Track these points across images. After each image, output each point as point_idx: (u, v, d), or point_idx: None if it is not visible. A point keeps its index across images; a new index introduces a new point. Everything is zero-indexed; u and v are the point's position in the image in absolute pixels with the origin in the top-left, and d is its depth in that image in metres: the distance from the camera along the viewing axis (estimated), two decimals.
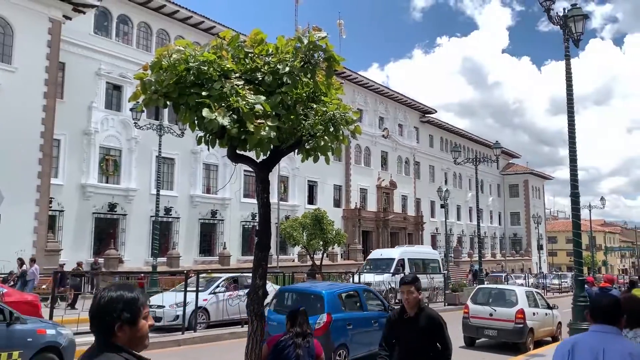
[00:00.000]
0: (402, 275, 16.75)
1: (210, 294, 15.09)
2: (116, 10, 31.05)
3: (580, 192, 12.11)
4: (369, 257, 29.97)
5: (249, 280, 14.08)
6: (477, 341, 14.24)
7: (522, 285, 30.01)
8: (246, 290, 13.98)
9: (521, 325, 13.13)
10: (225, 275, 16.93)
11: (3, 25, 23.32)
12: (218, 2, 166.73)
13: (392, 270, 25.81)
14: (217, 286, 15.66)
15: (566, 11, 12.21)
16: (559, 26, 12.15)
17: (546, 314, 14.74)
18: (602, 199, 48.79)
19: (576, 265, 11.90)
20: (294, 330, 4.62)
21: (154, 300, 14.65)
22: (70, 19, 26.03)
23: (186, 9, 32.98)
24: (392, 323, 4.53)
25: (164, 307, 14.08)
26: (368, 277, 23.19)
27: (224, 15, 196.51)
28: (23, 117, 22.88)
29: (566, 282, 42.80)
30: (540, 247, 65.56)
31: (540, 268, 66.91)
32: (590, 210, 48.84)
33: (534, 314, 13.88)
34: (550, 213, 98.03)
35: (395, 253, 28.96)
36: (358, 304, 11.27)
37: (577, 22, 12.06)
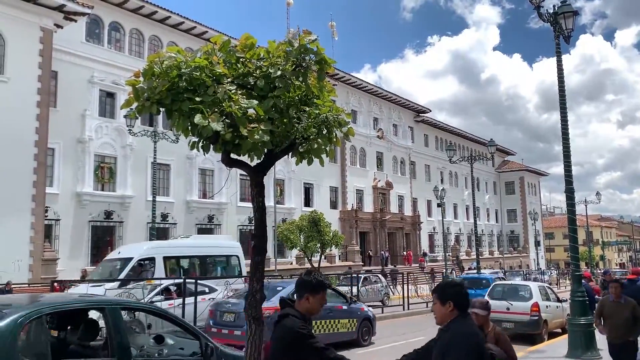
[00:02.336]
0: (148, 282, 13.92)
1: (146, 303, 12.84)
2: (108, 18, 31.02)
3: (575, 187, 12.18)
4: (105, 258, 19.92)
5: (201, 288, 13.35)
6: None
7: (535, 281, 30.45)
8: (204, 296, 13.29)
9: (536, 318, 14.23)
10: (166, 282, 14.52)
11: None
12: (210, 7, 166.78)
13: (122, 276, 16.21)
14: (157, 293, 13.69)
15: (556, 8, 12.26)
16: (549, 23, 12.20)
17: (557, 306, 15.74)
18: (597, 194, 49.08)
19: (573, 261, 11.95)
20: None
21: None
22: (61, 27, 26.00)
23: (178, 14, 32.99)
24: None
25: None
26: (92, 289, 13.96)
27: (216, 20, 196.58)
28: (17, 126, 22.83)
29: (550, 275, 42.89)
30: (537, 244, 65.80)
31: (538, 264, 67.07)
32: (586, 206, 49.12)
33: (547, 306, 14.94)
34: (546, 209, 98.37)
35: (137, 250, 18.18)
36: None
37: (567, 18, 12.11)
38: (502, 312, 14.26)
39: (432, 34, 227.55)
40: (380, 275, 27.10)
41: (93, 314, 5.22)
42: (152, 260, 17.26)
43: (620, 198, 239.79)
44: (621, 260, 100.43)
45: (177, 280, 14.76)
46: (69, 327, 5.20)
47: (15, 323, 3.89)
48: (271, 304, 8.86)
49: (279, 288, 12.23)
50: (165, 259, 17.84)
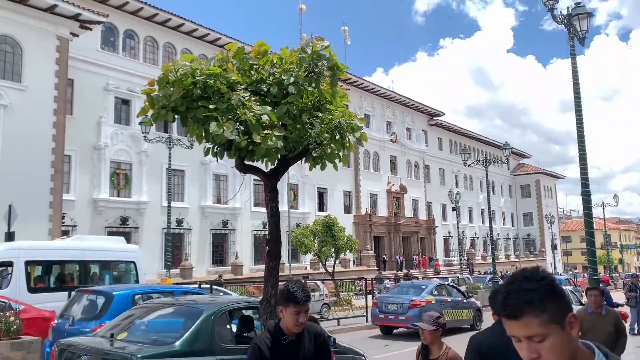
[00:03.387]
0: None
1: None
2: (122, 26, 31.41)
3: (593, 190, 12.07)
4: None
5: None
6: None
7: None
8: None
9: None
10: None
11: (12, 45, 23.68)
12: (223, 13, 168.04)
13: None
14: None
15: (570, 10, 12.18)
16: (563, 25, 12.13)
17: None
18: (615, 196, 48.37)
19: (590, 265, 11.82)
20: None
21: None
22: (77, 36, 26.36)
23: (191, 21, 33.29)
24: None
25: None
26: None
27: (229, 26, 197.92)
28: (34, 134, 23.16)
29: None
30: (554, 247, 64.98)
31: (555, 268, 66.29)
32: (603, 208, 48.50)
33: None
34: (563, 212, 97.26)
35: None
36: None
37: (581, 20, 12.03)
38: None
39: (444, 36, 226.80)
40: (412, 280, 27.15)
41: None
42: (9, 265, 13.31)
43: (638, 200, 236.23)
44: None
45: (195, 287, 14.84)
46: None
47: (211, 315, 5.83)
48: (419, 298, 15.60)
49: (423, 287, 17.21)
50: (29, 263, 13.78)
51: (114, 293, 8.78)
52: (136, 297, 8.83)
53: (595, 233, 12.85)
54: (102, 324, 7.37)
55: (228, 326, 6.18)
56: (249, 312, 6.67)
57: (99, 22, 26.57)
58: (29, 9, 23.71)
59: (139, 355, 5.13)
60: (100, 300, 8.81)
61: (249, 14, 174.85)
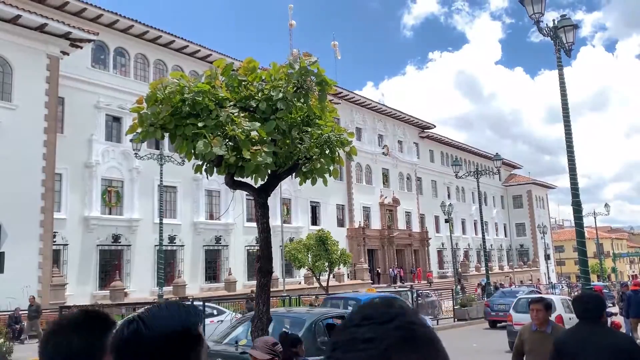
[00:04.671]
0: None
1: None
2: (113, 44, 31.45)
3: (584, 199, 12.14)
4: None
5: (209, 310, 13.55)
6: None
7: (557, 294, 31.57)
8: (213, 318, 13.84)
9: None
10: None
11: (2, 64, 23.64)
12: (214, 29, 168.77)
13: None
14: None
15: (556, 22, 12.34)
16: (549, 37, 12.27)
17: None
18: (606, 205, 48.58)
19: (582, 274, 11.85)
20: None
21: None
22: (67, 54, 26.38)
23: (182, 38, 33.39)
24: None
25: None
26: None
27: (220, 42, 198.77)
28: (24, 153, 23.04)
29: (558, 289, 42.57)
30: (547, 257, 65.13)
31: (548, 278, 66.37)
32: (595, 218, 48.66)
33: (569, 318, 15.23)
34: (555, 222, 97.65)
35: None
36: None
37: (567, 32, 12.19)
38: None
39: (433, 50, 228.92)
40: (432, 292, 28.50)
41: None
42: None
43: (629, 209, 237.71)
44: (633, 271, 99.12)
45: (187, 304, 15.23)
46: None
47: (312, 323, 7.73)
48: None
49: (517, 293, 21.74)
50: None
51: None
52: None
53: (587, 242, 12.90)
54: None
55: (323, 331, 7.94)
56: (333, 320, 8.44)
57: (89, 40, 26.62)
58: (19, 28, 23.73)
59: None
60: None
61: (240, 31, 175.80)
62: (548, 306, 5.33)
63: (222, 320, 14.88)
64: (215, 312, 15.07)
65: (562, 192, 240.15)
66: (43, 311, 20.19)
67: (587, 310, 3.76)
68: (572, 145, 12.17)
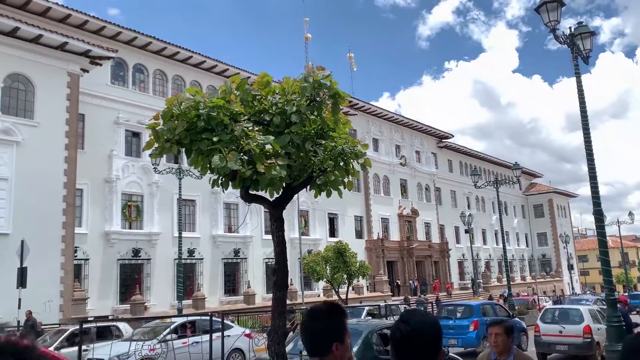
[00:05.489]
0: None
1: (159, 342, 13.43)
2: (132, 60, 31.99)
3: (607, 207, 11.92)
4: None
5: (206, 324, 13.34)
6: (548, 357, 15.75)
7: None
8: (205, 336, 13.01)
9: (589, 340, 14.73)
10: (180, 320, 15.24)
11: (24, 83, 24.17)
12: (231, 44, 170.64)
13: None
14: (169, 332, 13.95)
15: (572, 29, 12.22)
16: (566, 45, 12.15)
17: None
18: (630, 213, 47.56)
19: (606, 285, 11.58)
20: None
21: (100, 352, 12.96)
22: (87, 71, 26.89)
23: (199, 54, 33.84)
24: None
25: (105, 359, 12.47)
26: None
27: (237, 57, 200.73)
28: (46, 169, 23.45)
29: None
30: (570, 267, 63.94)
31: (572, 288, 65.13)
32: (619, 226, 47.75)
33: (598, 329, 15.17)
34: (578, 231, 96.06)
35: None
36: None
37: (584, 39, 12.05)
38: (555, 335, 15.19)
39: (449, 59, 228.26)
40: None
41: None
42: None
43: None
44: None
45: (190, 318, 15.49)
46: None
47: (368, 333, 9.18)
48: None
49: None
50: None
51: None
52: None
53: (611, 251, 12.64)
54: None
55: (377, 341, 9.21)
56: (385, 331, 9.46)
57: (108, 58, 27.10)
58: (40, 47, 24.27)
59: None
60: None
61: (256, 45, 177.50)
62: (509, 330, 4.56)
63: (229, 335, 14.03)
64: (219, 326, 14.16)
65: (584, 200, 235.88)
66: (46, 327, 19.02)
67: None
68: (592, 153, 11.98)
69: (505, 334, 4.45)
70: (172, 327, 14.25)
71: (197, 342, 13.41)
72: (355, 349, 8.47)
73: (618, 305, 11.52)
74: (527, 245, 72.35)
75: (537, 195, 74.21)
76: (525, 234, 72.56)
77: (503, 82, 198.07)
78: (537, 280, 62.38)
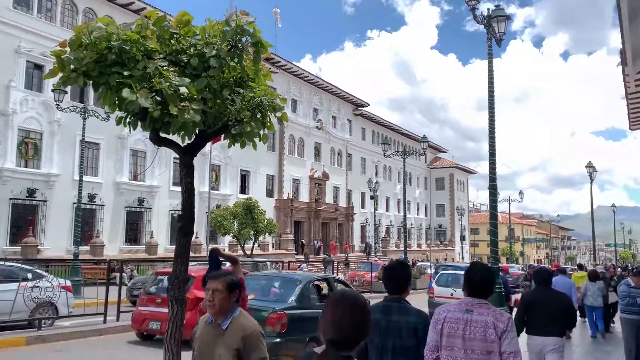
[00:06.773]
0: None
1: None
2: None
3: (501, 186, 12.80)
4: None
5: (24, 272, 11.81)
6: None
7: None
8: (24, 283, 11.37)
9: None
10: None
11: None
12: None
13: None
14: None
15: (490, 11, 12.79)
16: (483, 25, 12.69)
17: None
18: (520, 192, 51.44)
19: (492, 254, 12.57)
20: None
21: None
22: None
23: None
24: None
25: None
26: None
27: None
28: None
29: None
30: (463, 238, 68.58)
31: (462, 258, 69.89)
32: (509, 203, 51.45)
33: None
34: (473, 206, 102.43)
35: None
36: None
37: (499, 22, 12.65)
38: (447, 297, 16.31)
39: (371, 28, 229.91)
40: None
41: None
42: None
43: (541, 198, 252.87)
44: (539, 256, 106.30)
45: None
46: None
47: (307, 283, 9.60)
48: None
49: None
50: None
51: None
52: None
53: (500, 226, 13.66)
54: None
55: (313, 291, 9.83)
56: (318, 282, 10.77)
57: None
58: None
59: (276, 308, 8.56)
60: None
61: None
62: (232, 286, 3.35)
63: (39, 287, 11.63)
64: (30, 275, 12.26)
65: (482, 178, 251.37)
66: None
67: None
68: (494, 132, 12.75)
69: (227, 290, 3.31)
70: None
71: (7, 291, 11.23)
72: (293, 298, 8.98)
73: (500, 274, 12.55)
74: (426, 215, 76.30)
75: (440, 169, 78.02)
76: (426, 205, 76.38)
77: (421, 57, 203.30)
78: (432, 248, 66.27)
